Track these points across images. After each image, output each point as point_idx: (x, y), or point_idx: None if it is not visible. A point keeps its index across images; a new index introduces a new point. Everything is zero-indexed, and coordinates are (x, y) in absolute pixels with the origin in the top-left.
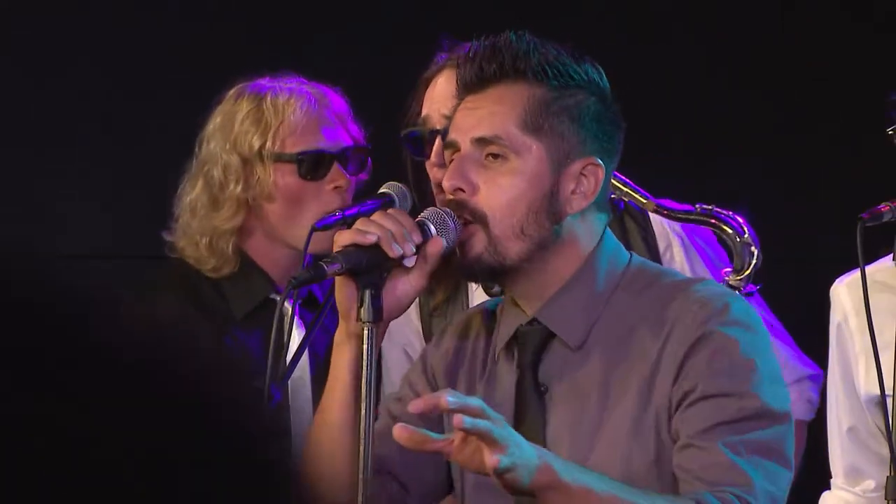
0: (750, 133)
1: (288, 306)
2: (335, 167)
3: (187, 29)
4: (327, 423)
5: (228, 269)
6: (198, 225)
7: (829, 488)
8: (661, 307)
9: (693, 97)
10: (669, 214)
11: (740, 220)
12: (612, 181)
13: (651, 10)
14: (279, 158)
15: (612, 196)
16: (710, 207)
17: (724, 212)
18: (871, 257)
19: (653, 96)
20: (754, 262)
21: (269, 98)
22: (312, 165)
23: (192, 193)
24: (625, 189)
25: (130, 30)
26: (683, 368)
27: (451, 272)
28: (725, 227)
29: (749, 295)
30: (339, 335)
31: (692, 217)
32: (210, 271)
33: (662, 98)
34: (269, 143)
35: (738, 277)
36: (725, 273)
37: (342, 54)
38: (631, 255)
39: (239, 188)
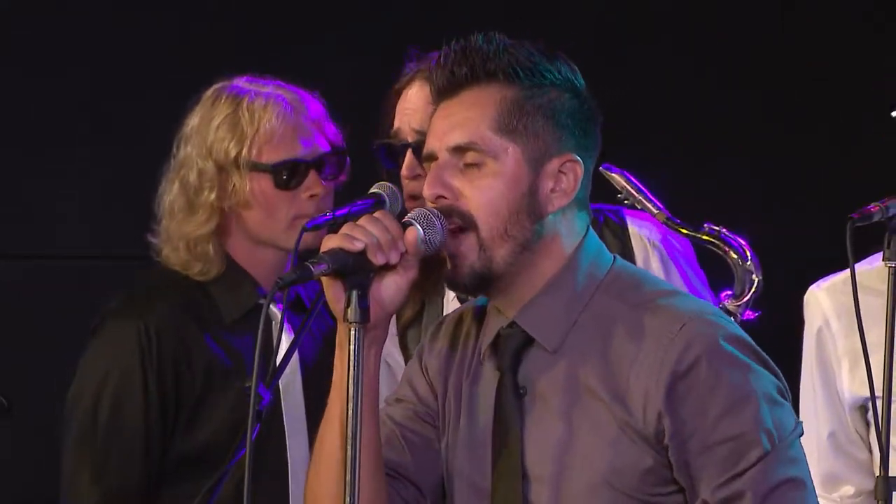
0: (750, 133)
1: (276, 311)
2: (311, 175)
3: (187, 29)
4: (339, 430)
5: (216, 271)
6: (175, 229)
7: None
8: (639, 316)
9: (693, 97)
10: (678, 229)
11: (744, 245)
12: (626, 186)
13: (651, 10)
14: (255, 167)
15: (627, 198)
16: (718, 229)
17: (732, 235)
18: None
19: (653, 96)
20: (754, 289)
21: (245, 104)
22: (288, 175)
23: (170, 195)
24: (638, 196)
25: (130, 30)
26: (672, 399)
27: (418, 285)
28: (730, 251)
29: (746, 323)
30: (339, 336)
31: (699, 236)
32: (198, 275)
33: (662, 98)
34: (244, 152)
35: (737, 303)
36: (725, 297)
37: (342, 54)
38: (615, 257)
39: (213, 195)
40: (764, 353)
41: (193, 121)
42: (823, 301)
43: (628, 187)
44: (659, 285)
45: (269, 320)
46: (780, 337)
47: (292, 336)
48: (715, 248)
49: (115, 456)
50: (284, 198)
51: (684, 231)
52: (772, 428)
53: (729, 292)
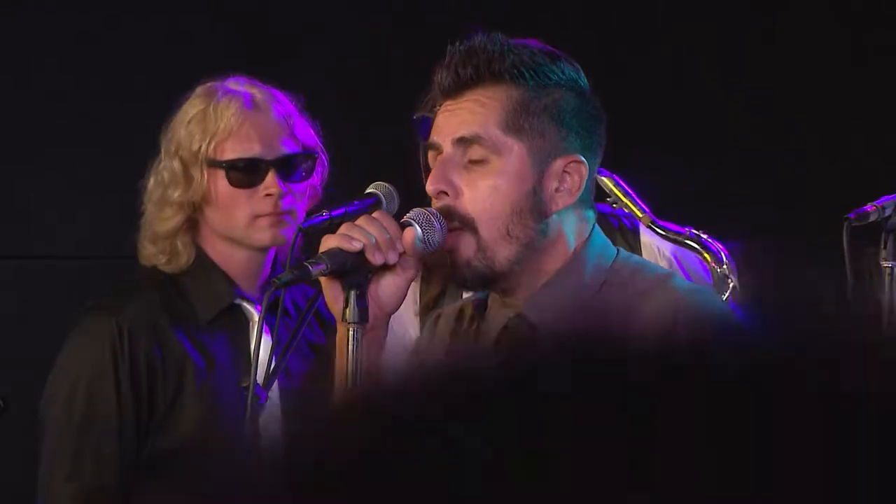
0: (748, 133)
1: (254, 312)
2: (270, 174)
3: (187, 29)
4: None
5: (183, 261)
6: (146, 224)
7: None
8: (642, 302)
9: (693, 97)
10: (659, 232)
11: (722, 249)
12: (614, 189)
13: (648, 11)
14: (212, 164)
15: (610, 209)
16: (698, 233)
17: (709, 240)
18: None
19: (650, 96)
20: (729, 292)
21: (214, 101)
22: (243, 173)
23: (146, 192)
24: (625, 200)
25: (130, 30)
26: None
27: (441, 270)
28: (706, 255)
29: None
30: (339, 337)
31: (679, 239)
32: (165, 265)
33: (661, 98)
34: (204, 148)
35: None
36: None
37: (340, 55)
38: (618, 250)
39: (179, 192)
40: None
41: (172, 118)
42: None
43: (615, 190)
44: (657, 269)
45: (248, 320)
46: None
47: (270, 338)
48: (694, 251)
49: (89, 455)
50: (241, 196)
51: (665, 233)
52: None
53: None
